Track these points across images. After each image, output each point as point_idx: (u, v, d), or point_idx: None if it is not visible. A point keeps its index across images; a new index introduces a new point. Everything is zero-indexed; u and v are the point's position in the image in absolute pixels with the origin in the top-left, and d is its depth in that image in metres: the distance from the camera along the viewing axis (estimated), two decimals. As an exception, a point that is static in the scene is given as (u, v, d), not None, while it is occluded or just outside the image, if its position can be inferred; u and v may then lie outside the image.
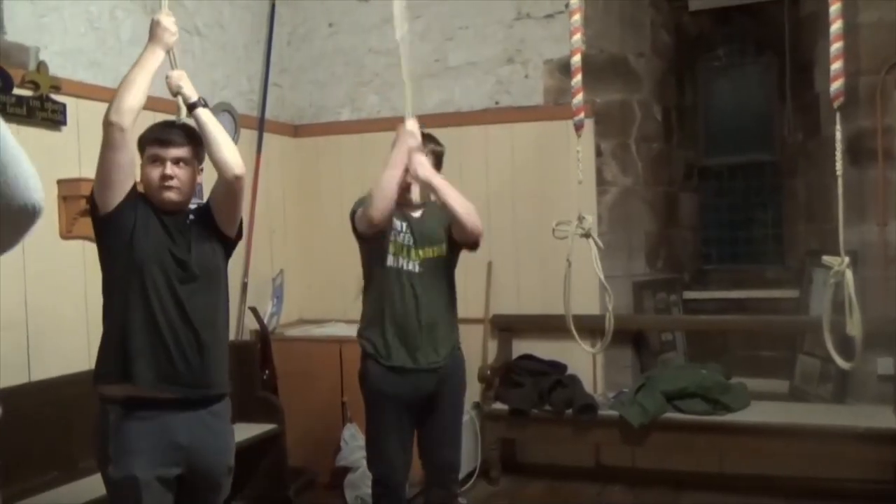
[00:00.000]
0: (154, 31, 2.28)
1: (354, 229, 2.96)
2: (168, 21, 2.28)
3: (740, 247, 5.18)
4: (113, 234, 2.27)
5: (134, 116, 2.19)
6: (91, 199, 2.30)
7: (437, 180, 2.88)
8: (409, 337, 2.91)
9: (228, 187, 2.34)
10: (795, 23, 4.72)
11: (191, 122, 2.35)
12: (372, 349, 2.96)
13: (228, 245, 2.45)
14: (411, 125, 2.86)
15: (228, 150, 2.33)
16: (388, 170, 2.82)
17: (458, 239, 2.97)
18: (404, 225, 2.95)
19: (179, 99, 2.35)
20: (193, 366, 2.26)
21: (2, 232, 1.40)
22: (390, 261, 2.92)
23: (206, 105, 2.36)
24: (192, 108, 2.32)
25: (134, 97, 2.19)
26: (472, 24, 4.71)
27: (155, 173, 2.29)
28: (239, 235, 2.49)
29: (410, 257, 2.93)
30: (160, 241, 2.27)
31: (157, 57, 2.26)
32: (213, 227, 2.38)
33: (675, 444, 4.11)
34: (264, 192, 4.63)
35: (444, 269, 3.01)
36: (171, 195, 2.29)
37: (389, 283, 2.92)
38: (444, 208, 2.91)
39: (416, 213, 2.99)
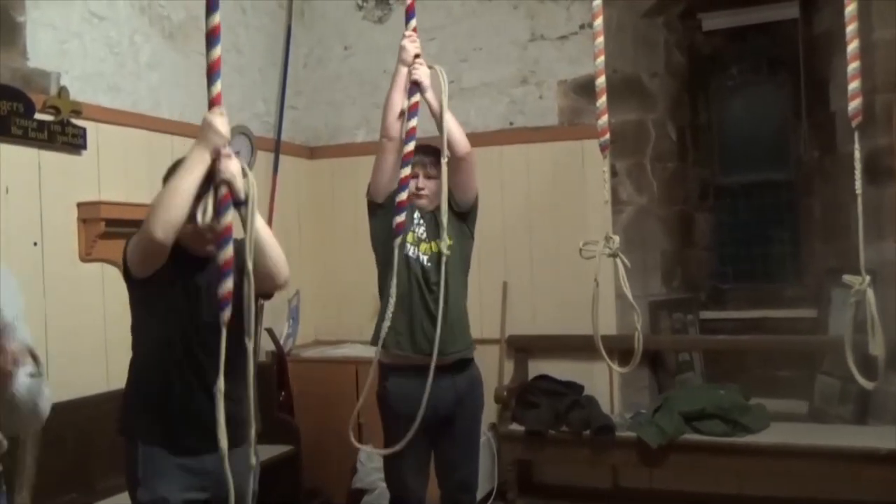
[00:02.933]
0: (204, 132, 1.95)
1: (370, 202, 2.99)
2: (220, 122, 1.93)
3: (757, 266, 5.14)
4: (147, 299, 2.26)
5: (178, 229, 2.03)
6: (125, 266, 2.23)
7: (438, 102, 2.86)
8: (426, 329, 2.88)
9: (267, 291, 2.29)
10: (809, 41, 4.72)
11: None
12: (393, 345, 2.92)
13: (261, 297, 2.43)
14: (407, 42, 2.83)
15: (278, 257, 2.21)
16: (392, 90, 2.87)
17: (456, 177, 2.93)
18: (419, 217, 3.00)
19: (222, 189, 1.87)
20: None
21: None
22: (408, 250, 2.93)
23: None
24: (239, 204, 1.91)
25: (180, 210, 1.99)
26: (487, 46, 4.74)
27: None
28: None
29: (422, 251, 2.96)
30: (189, 302, 2.25)
31: (205, 162, 1.94)
32: None
33: (694, 466, 4.06)
34: (280, 213, 4.65)
35: (456, 262, 3.00)
36: (211, 248, 2.16)
37: (405, 275, 2.90)
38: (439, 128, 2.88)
39: (430, 209, 3.01)
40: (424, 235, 2.99)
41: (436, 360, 2.77)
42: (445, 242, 2.83)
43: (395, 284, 2.67)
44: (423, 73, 2.81)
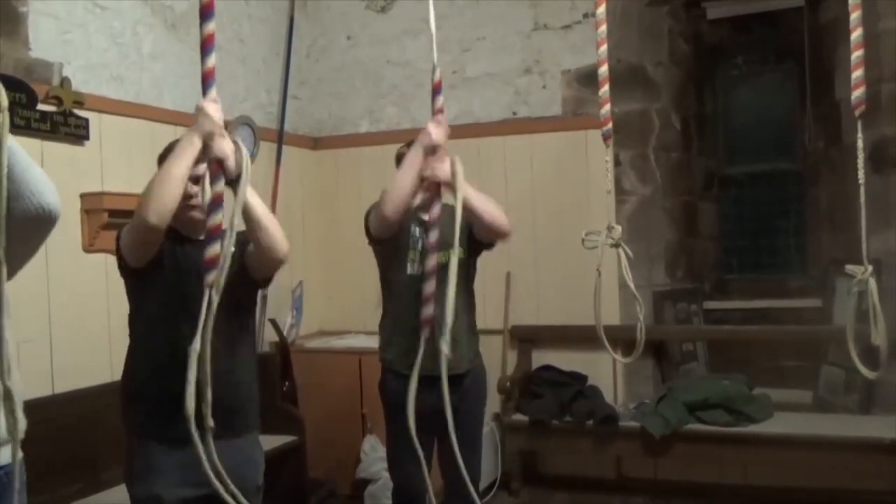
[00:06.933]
0: (196, 117, 1.94)
1: (368, 232, 2.93)
2: (211, 108, 1.92)
3: (762, 256, 5.13)
4: (143, 287, 2.24)
5: (171, 214, 2.04)
6: (119, 254, 2.22)
7: (464, 191, 2.67)
8: (428, 344, 2.89)
9: (270, 266, 2.28)
10: (815, 30, 4.70)
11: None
12: (392, 362, 2.96)
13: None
14: (432, 127, 2.59)
15: (275, 230, 2.20)
16: (403, 169, 2.74)
17: (480, 238, 2.93)
18: (421, 230, 2.95)
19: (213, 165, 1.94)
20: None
21: (22, 237, 1.42)
22: (409, 268, 2.92)
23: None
24: (234, 181, 1.90)
25: (172, 195, 2.01)
26: (490, 35, 4.72)
27: None
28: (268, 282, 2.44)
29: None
30: (183, 286, 2.20)
31: (194, 147, 1.94)
32: (244, 270, 2.28)
33: (698, 456, 4.07)
34: (284, 204, 4.65)
35: (460, 275, 2.98)
36: (196, 214, 2.23)
37: (407, 291, 2.90)
38: (467, 213, 2.85)
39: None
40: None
41: (434, 373, 2.83)
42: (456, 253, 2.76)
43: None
44: (443, 171, 2.47)
